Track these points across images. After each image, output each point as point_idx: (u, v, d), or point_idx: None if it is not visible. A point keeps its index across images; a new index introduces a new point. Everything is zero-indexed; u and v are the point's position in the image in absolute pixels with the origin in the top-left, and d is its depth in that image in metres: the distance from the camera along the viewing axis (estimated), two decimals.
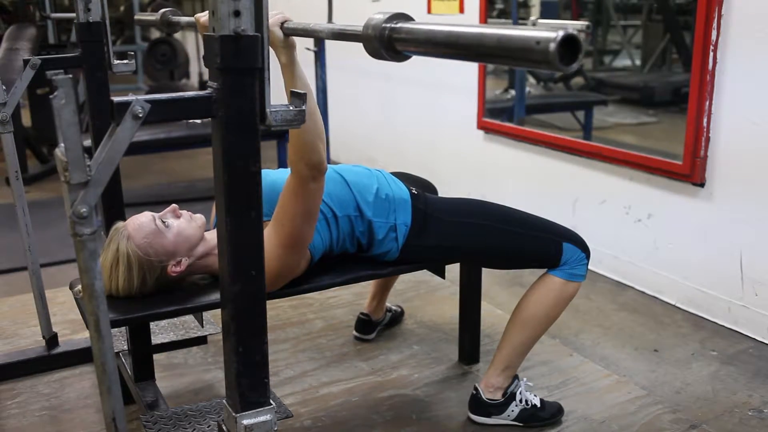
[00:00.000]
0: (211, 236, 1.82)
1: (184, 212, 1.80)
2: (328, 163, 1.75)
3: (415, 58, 3.52)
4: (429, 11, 3.96)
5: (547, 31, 0.77)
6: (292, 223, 1.68)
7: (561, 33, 0.75)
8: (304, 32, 1.38)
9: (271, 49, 1.16)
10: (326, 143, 4.32)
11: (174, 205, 1.81)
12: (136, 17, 2.34)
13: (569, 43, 0.75)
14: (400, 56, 0.99)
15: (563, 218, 2.78)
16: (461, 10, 3.76)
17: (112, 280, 1.71)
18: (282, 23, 1.45)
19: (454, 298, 2.64)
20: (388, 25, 0.97)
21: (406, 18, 0.98)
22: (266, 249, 1.66)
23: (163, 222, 1.74)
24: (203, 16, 1.66)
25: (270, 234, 1.69)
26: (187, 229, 1.76)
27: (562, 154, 3.33)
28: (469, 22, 3.68)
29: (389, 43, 0.97)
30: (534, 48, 0.77)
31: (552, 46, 0.75)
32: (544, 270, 2.01)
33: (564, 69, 0.76)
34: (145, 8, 8.75)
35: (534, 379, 2.28)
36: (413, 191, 2.03)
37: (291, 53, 1.52)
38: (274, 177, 1.90)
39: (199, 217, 1.82)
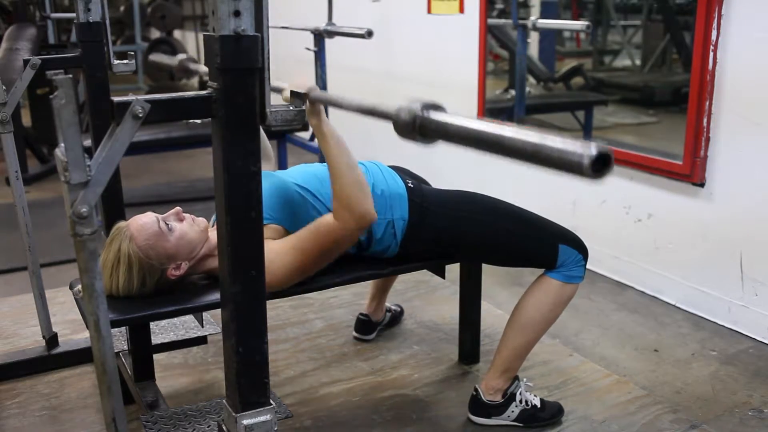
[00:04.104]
0: (214, 236, 1.82)
1: (186, 215, 1.80)
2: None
3: (413, 56, 3.54)
4: (429, 11, 3.96)
5: (580, 145, 0.79)
6: (318, 256, 1.75)
7: (593, 152, 0.78)
8: (329, 102, 1.45)
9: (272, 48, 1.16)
10: None
11: (178, 207, 1.80)
12: (150, 59, 2.34)
13: (601, 158, 0.78)
14: (430, 141, 1.04)
15: (563, 218, 2.77)
16: (461, 10, 3.76)
17: (113, 280, 1.71)
18: (307, 92, 1.50)
19: (454, 298, 2.64)
20: (420, 114, 1.02)
21: (437, 108, 1.03)
22: (282, 263, 1.71)
23: (167, 225, 1.74)
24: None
25: (293, 254, 1.73)
26: (189, 233, 1.76)
27: None
28: (469, 22, 3.69)
29: (421, 131, 1.02)
30: (568, 162, 0.81)
31: (586, 162, 0.78)
32: (542, 270, 2.01)
33: (595, 180, 0.79)
34: (145, 8, 8.75)
35: (534, 379, 2.28)
36: (409, 184, 2.02)
37: (319, 116, 1.63)
38: (278, 181, 1.89)
39: (202, 221, 1.81)
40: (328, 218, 1.74)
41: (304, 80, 1.56)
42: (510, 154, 0.89)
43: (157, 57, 2.26)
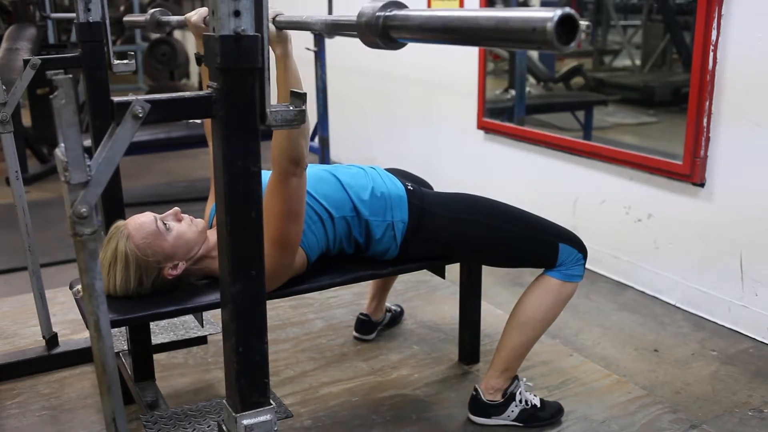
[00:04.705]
0: (212, 237, 1.82)
1: (185, 216, 1.81)
2: (328, 162, 1.75)
3: (415, 57, 3.54)
4: None
5: (543, 11, 0.76)
6: (276, 222, 1.66)
7: (558, 13, 0.75)
8: (297, 25, 1.36)
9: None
10: (327, 143, 4.31)
11: (176, 208, 1.81)
12: (125, 19, 2.32)
13: (567, 23, 0.75)
14: (395, 44, 0.98)
15: (563, 218, 2.78)
16: None
17: (110, 279, 1.71)
18: (274, 18, 1.44)
19: (454, 298, 2.64)
20: (382, 13, 0.97)
21: (400, 6, 0.98)
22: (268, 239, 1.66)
23: (164, 224, 1.74)
24: (193, 16, 1.65)
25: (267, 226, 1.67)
26: (187, 233, 1.76)
27: (562, 154, 3.33)
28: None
29: (384, 31, 0.97)
30: (532, 30, 0.77)
31: (550, 26, 0.75)
32: (542, 270, 2.01)
33: (562, 48, 0.75)
34: (145, 8, 8.75)
35: (534, 379, 2.28)
36: (408, 187, 2.02)
37: (285, 46, 1.52)
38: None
39: (200, 222, 1.82)
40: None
41: (272, 6, 1.41)
42: (476, 37, 0.85)
43: (130, 17, 2.26)
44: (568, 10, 0.75)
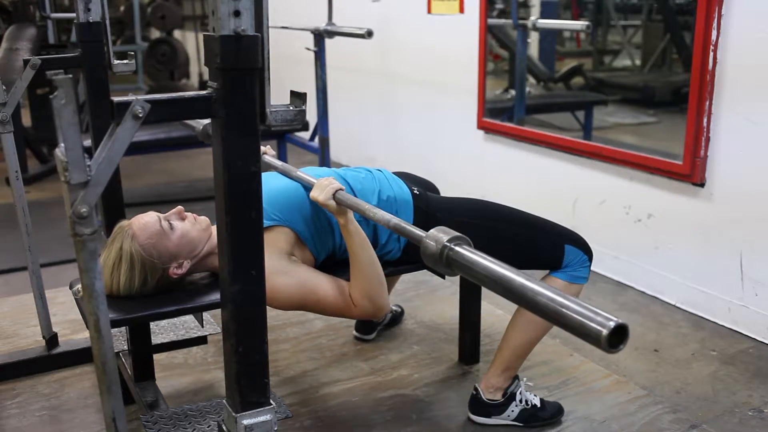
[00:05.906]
0: (215, 234, 1.82)
1: (188, 214, 1.81)
2: (329, 165, 1.75)
3: (413, 56, 3.54)
4: (429, 11, 3.96)
5: (600, 317, 0.81)
6: (322, 309, 1.79)
7: (612, 325, 0.80)
8: (357, 207, 1.53)
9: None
10: (327, 143, 4.30)
11: (180, 207, 1.81)
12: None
13: (619, 330, 0.80)
14: (452, 272, 1.09)
15: (563, 218, 2.78)
16: (461, 10, 3.76)
17: (114, 279, 1.72)
18: (334, 193, 1.65)
19: (454, 298, 2.64)
20: (450, 245, 1.07)
21: (465, 243, 1.07)
22: (292, 295, 1.73)
23: (169, 224, 1.74)
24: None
25: (306, 293, 1.75)
26: (191, 232, 1.76)
27: (562, 154, 3.33)
28: (469, 22, 3.69)
29: (447, 261, 1.07)
30: (586, 334, 0.83)
31: (604, 334, 0.80)
32: (546, 271, 2.01)
33: (610, 351, 0.81)
34: (145, 8, 8.75)
35: (534, 379, 2.28)
36: (415, 191, 2.02)
37: (346, 218, 1.70)
38: (287, 183, 1.88)
39: (204, 220, 1.82)
40: (348, 292, 1.77)
41: (331, 180, 1.66)
42: (530, 309, 0.92)
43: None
44: (621, 321, 0.81)
